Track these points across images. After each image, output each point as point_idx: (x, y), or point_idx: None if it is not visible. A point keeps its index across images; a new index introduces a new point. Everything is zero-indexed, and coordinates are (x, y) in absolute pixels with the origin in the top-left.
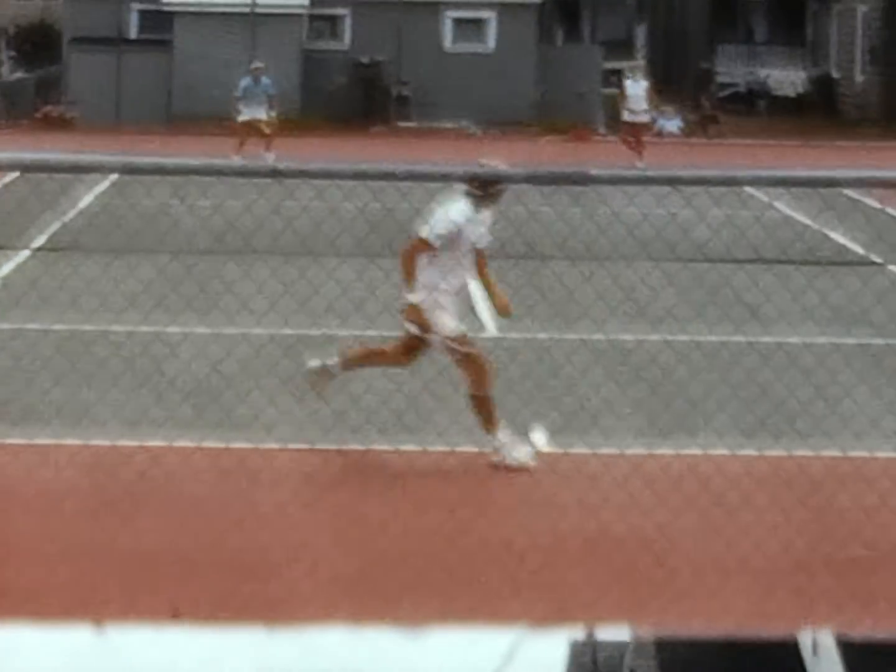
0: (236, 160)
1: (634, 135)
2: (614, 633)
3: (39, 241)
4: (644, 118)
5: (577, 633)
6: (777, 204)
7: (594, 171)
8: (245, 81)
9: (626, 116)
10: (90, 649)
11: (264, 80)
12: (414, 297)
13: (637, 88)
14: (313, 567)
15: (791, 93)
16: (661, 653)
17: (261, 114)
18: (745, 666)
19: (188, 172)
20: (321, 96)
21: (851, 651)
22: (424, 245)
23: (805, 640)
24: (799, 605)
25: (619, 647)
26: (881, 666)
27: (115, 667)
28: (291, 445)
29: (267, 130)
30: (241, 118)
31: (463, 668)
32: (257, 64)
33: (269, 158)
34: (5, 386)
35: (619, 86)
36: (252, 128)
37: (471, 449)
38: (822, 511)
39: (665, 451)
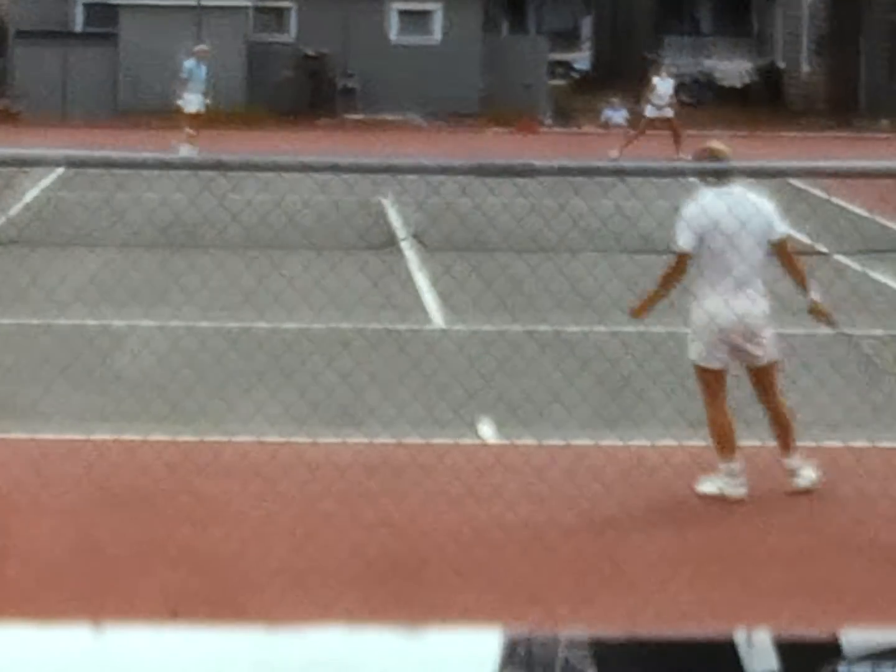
0: (184, 151)
1: (667, 128)
2: (552, 628)
3: None
4: (668, 113)
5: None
6: None
7: (539, 163)
8: (190, 63)
9: (649, 112)
10: (85, 648)
11: (205, 66)
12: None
13: (666, 86)
14: (262, 559)
15: (737, 83)
16: (597, 648)
17: (201, 103)
18: (681, 662)
19: (134, 166)
20: (267, 89)
21: (788, 649)
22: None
23: (741, 637)
24: (745, 597)
25: (555, 641)
26: (817, 663)
27: (114, 666)
28: (238, 438)
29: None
30: (188, 109)
31: (463, 669)
32: (202, 46)
33: (194, 151)
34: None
35: (647, 81)
36: (195, 118)
37: (417, 441)
38: (769, 501)
39: (612, 441)
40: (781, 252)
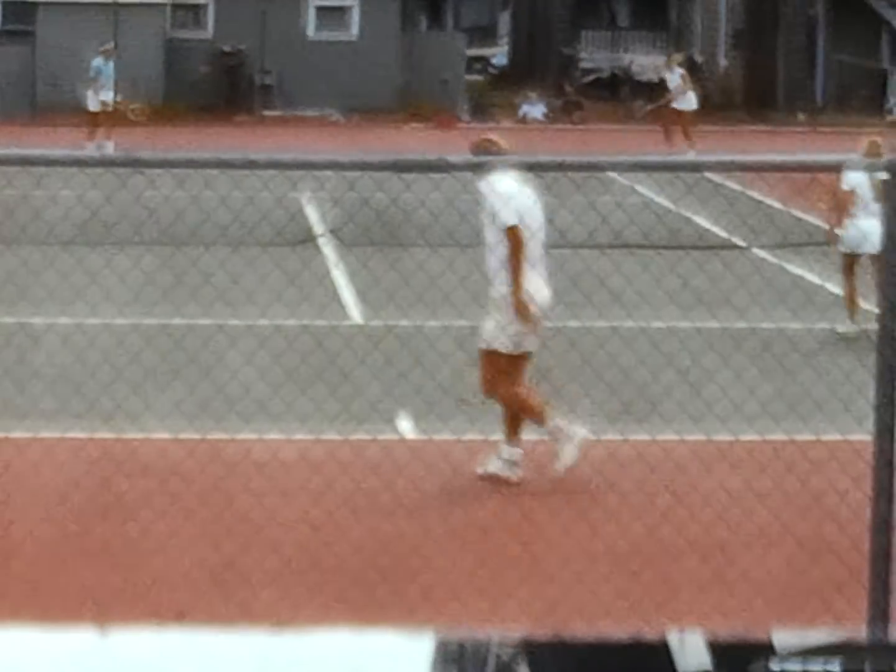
0: (91, 148)
1: (680, 122)
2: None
3: None
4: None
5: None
6: (639, 188)
7: (454, 159)
8: (97, 62)
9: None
10: (90, 650)
11: (112, 63)
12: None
13: (676, 78)
14: (179, 556)
15: (654, 78)
16: (528, 648)
17: (108, 98)
18: (614, 662)
19: (50, 163)
20: (184, 85)
21: (720, 650)
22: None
23: (674, 637)
24: (664, 590)
25: (487, 642)
26: (748, 655)
27: (115, 667)
28: (155, 435)
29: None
30: (93, 106)
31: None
32: (107, 45)
33: (109, 147)
34: None
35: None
36: (103, 114)
37: (335, 437)
38: (687, 495)
39: (526, 436)
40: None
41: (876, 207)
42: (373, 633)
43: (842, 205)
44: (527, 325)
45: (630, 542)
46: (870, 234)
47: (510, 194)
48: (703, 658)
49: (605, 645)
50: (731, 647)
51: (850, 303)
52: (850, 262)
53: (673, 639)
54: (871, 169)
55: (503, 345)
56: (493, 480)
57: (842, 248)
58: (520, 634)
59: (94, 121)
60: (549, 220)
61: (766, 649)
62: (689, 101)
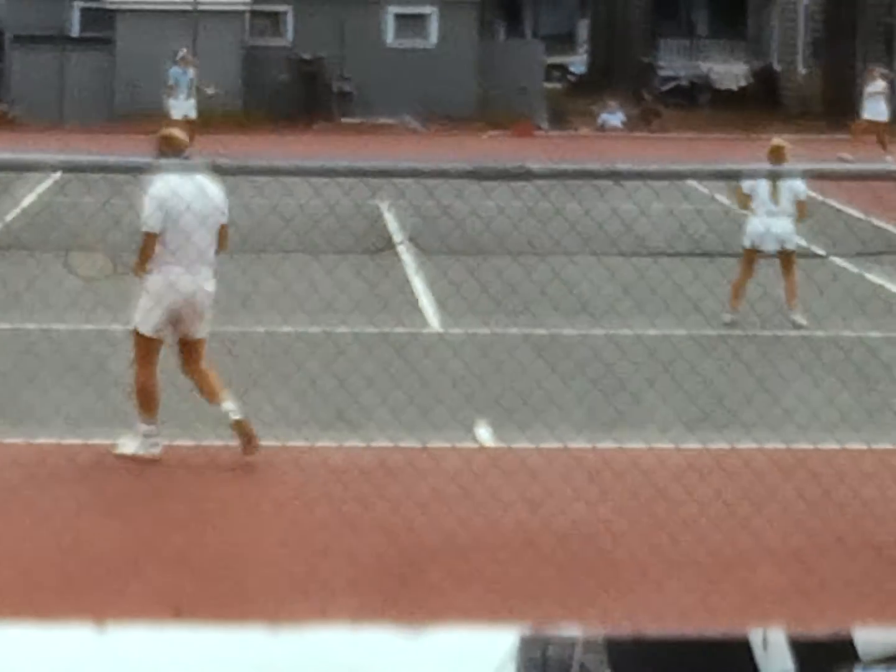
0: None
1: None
2: (565, 629)
3: None
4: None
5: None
6: (719, 197)
7: (535, 167)
8: (174, 70)
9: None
10: (88, 648)
11: (191, 70)
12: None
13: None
14: (259, 564)
15: (733, 86)
16: (612, 649)
17: (190, 108)
18: (695, 662)
19: (129, 170)
20: (263, 93)
21: (802, 648)
22: None
23: (756, 636)
24: (743, 599)
25: (570, 643)
26: (831, 662)
27: (115, 666)
28: (233, 444)
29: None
30: (174, 115)
31: (463, 669)
32: (183, 53)
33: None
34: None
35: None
36: (184, 122)
37: (413, 444)
38: (765, 503)
39: (608, 444)
40: (223, 237)
41: None
42: (373, 633)
43: None
44: (162, 311)
45: (708, 550)
46: None
47: (156, 197)
48: (787, 661)
49: (689, 644)
50: (815, 649)
51: None
52: None
53: (756, 640)
54: None
55: (139, 326)
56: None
57: None
58: (604, 635)
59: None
60: (629, 229)
61: (849, 652)
62: (880, 112)
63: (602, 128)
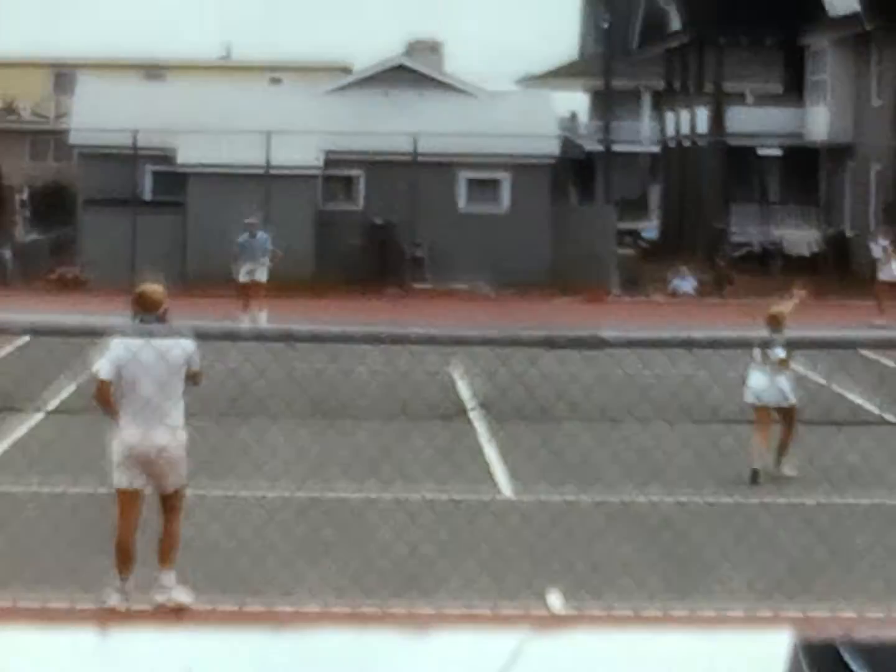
0: (245, 320)
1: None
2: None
3: (53, 403)
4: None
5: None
6: (792, 364)
7: (609, 336)
8: (242, 237)
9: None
10: (89, 649)
11: (261, 234)
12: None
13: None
14: None
15: (805, 252)
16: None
17: (260, 272)
18: None
19: (202, 337)
20: (335, 257)
21: None
22: None
23: None
24: None
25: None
26: None
27: (115, 667)
28: (305, 609)
29: (260, 292)
30: (242, 279)
31: (463, 669)
32: (251, 219)
33: (262, 319)
34: (19, 549)
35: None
36: (253, 287)
37: (485, 612)
38: None
39: (680, 612)
40: (195, 381)
41: None
42: (373, 633)
43: None
44: (126, 468)
45: None
46: None
47: (112, 350)
48: None
49: None
50: None
51: None
52: None
53: None
54: None
55: (113, 480)
56: None
57: None
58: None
59: (246, 293)
60: (700, 396)
61: None
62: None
63: (674, 294)
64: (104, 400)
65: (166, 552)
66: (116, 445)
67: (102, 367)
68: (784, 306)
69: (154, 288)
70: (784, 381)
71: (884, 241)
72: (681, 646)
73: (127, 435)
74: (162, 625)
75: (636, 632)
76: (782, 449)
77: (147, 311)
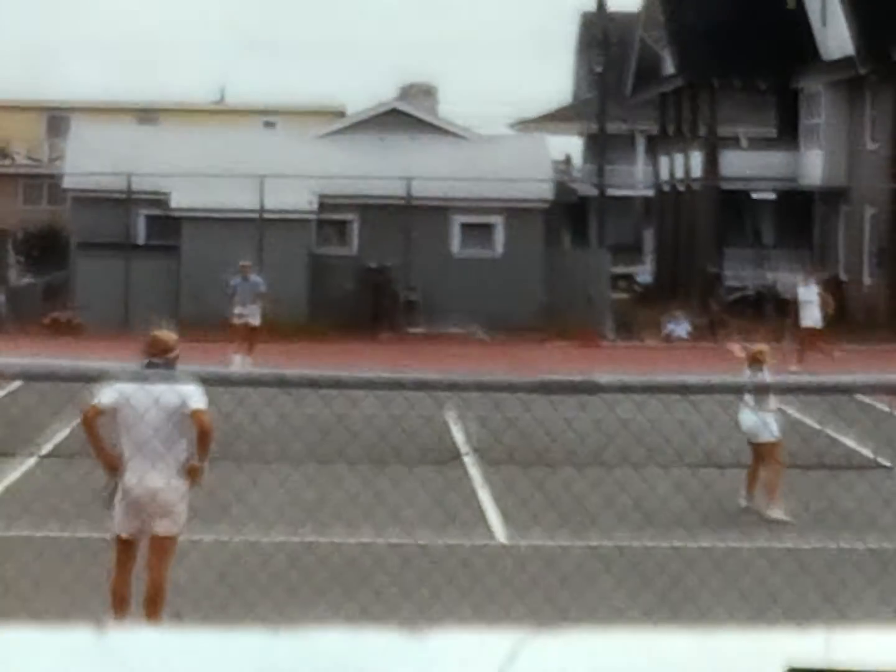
0: (237, 362)
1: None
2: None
3: (46, 448)
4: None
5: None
6: (785, 408)
7: (602, 381)
8: (235, 280)
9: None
10: (86, 650)
11: (254, 277)
12: None
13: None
14: None
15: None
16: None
17: (253, 315)
18: None
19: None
20: (329, 301)
21: None
22: None
23: None
24: None
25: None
26: None
27: (114, 667)
28: None
29: (254, 336)
30: (235, 321)
31: (463, 669)
32: (244, 262)
33: (247, 363)
34: (12, 594)
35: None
36: (246, 331)
37: None
38: None
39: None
40: (202, 434)
41: None
42: (373, 633)
43: None
44: (122, 512)
45: None
46: None
47: (110, 391)
48: None
49: None
50: None
51: None
52: None
53: None
54: None
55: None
56: None
57: None
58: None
59: (238, 335)
60: (694, 441)
61: None
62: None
63: (668, 338)
64: (88, 425)
65: (150, 605)
66: (118, 490)
67: (100, 395)
68: (764, 346)
69: (167, 333)
70: (770, 417)
71: (816, 287)
72: (682, 646)
73: (125, 479)
74: (162, 625)
75: (636, 632)
76: (771, 490)
77: (157, 355)
